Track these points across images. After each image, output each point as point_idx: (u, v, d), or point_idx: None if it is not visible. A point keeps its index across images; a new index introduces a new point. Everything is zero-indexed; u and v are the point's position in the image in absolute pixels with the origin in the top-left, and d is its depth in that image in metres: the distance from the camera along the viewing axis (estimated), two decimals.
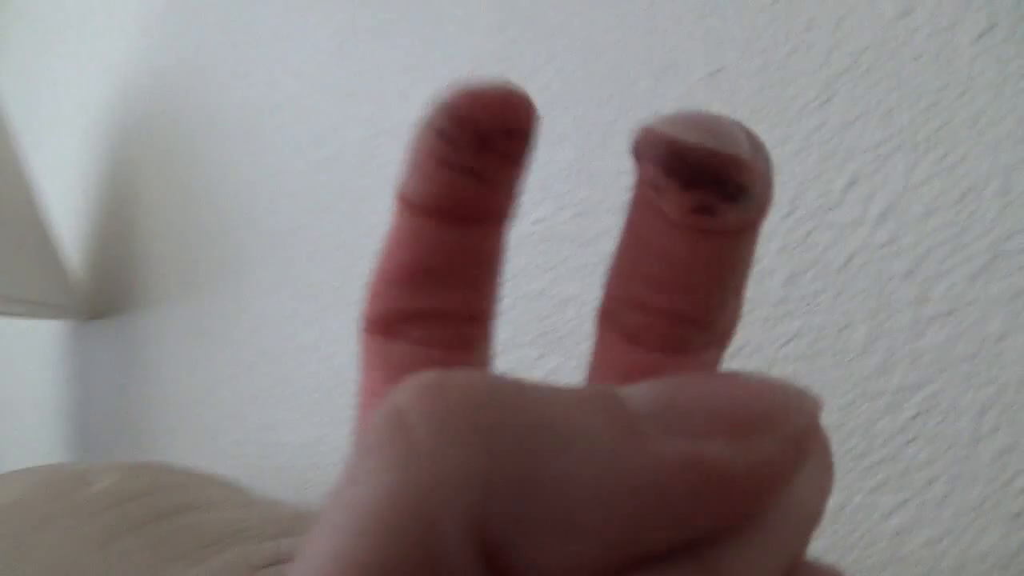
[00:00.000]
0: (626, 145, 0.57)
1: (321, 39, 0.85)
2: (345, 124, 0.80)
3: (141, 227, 1.15)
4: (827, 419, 0.44)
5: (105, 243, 1.27)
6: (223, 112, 0.99)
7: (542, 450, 0.09)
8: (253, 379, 0.89)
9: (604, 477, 0.09)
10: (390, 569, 0.09)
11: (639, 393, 0.10)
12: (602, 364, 0.15)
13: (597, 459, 0.09)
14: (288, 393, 0.84)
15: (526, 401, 0.10)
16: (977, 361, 0.39)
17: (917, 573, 0.40)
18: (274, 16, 0.92)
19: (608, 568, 0.09)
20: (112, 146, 1.27)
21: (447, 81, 0.13)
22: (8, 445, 1.52)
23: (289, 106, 0.88)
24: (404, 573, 0.09)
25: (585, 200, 0.57)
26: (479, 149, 0.14)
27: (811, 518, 0.12)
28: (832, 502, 0.43)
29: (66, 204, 1.38)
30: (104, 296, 1.24)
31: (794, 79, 0.47)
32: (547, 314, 0.59)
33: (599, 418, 0.10)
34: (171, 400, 1.04)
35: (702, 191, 0.12)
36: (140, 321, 1.13)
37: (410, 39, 0.74)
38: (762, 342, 0.47)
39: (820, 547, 0.43)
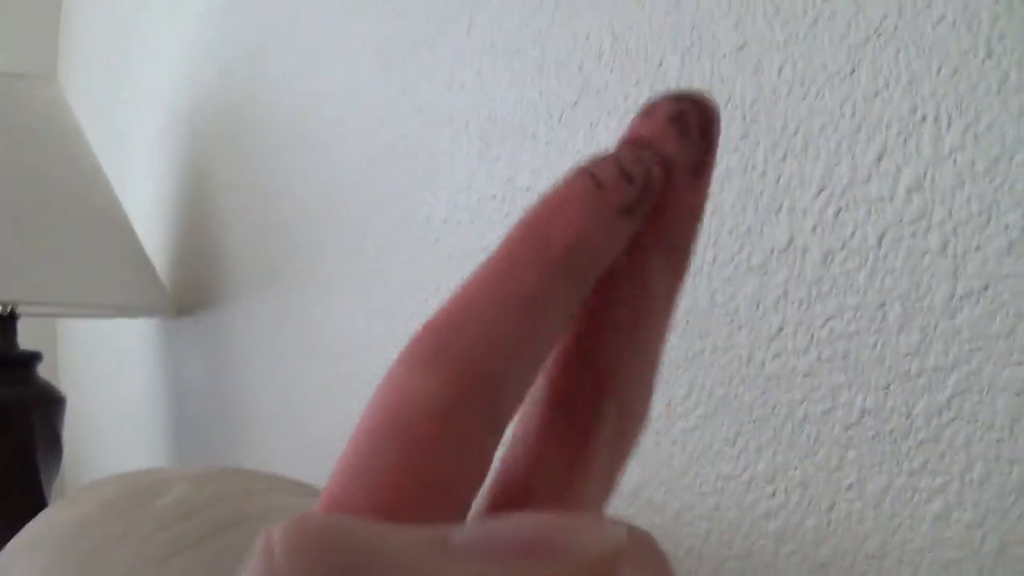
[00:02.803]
0: None
1: (375, 29, 0.86)
2: (395, 114, 0.81)
3: (218, 226, 1.20)
4: (866, 401, 0.43)
5: (186, 243, 1.32)
6: (284, 106, 1.02)
7: (371, 572, 0.11)
8: (331, 367, 0.92)
9: None
10: None
11: (468, 528, 0.12)
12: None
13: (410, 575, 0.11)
14: (366, 381, 0.87)
15: (367, 536, 0.12)
16: (1014, 337, 0.37)
17: (959, 556, 0.39)
18: (329, 7, 0.94)
19: None
20: (183, 149, 1.32)
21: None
22: (109, 432, 1.62)
23: (344, 97, 0.90)
24: None
25: None
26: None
27: None
28: (874, 486, 0.42)
29: (145, 207, 1.45)
30: (189, 293, 1.30)
31: (818, 50, 0.46)
32: None
33: (421, 546, 0.12)
34: (258, 388, 1.09)
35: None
36: (224, 314, 1.18)
37: (457, 29, 0.74)
38: (800, 322, 0.46)
39: (863, 532, 0.43)
